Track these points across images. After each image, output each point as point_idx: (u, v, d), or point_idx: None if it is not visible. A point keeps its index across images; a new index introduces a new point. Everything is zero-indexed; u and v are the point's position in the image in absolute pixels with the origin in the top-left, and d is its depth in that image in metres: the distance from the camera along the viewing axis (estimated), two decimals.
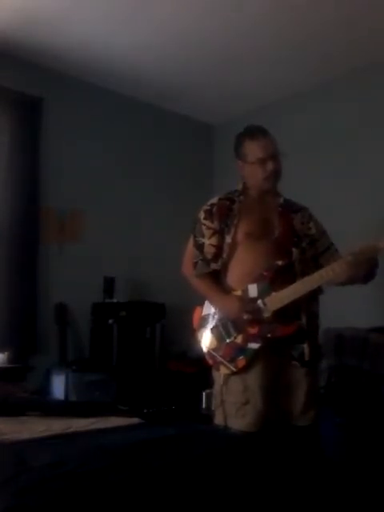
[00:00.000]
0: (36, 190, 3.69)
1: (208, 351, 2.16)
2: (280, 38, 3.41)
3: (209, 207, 2.19)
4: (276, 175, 2.17)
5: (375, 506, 2.16)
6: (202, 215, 2.19)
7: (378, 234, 1.98)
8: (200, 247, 2.17)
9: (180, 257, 2.34)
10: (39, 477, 1.35)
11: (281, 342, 2.05)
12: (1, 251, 3.53)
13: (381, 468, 2.46)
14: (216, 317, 2.15)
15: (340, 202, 3.69)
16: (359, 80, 3.75)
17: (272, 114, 4.06)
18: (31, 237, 3.64)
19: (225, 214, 2.15)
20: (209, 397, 3.17)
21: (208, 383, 2.46)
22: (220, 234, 2.14)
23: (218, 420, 2.10)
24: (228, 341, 2.09)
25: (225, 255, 2.13)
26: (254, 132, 2.17)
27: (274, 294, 2.03)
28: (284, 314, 2.03)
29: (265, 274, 2.06)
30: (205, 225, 2.16)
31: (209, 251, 2.15)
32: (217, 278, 2.16)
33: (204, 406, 3.32)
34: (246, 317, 2.04)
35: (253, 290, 2.07)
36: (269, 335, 2.03)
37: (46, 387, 3.35)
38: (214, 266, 2.15)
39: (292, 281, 2.04)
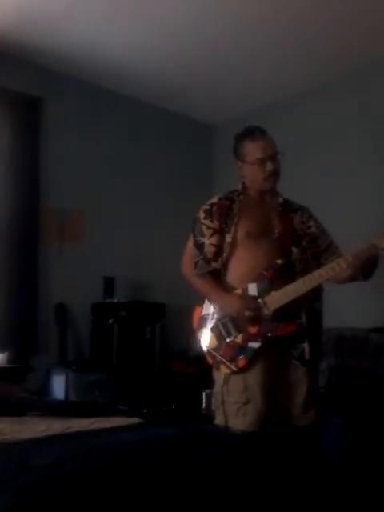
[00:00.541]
0: (36, 190, 3.69)
1: (208, 350, 2.16)
2: (280, 38, 3.41)
3: (208, 207, 2.19)
4: (275, 175, 2.17)
5: (375, 506, 2.16)
6: (201, 215, 2.19)
7: (378, 234, 1.98)
8: (200, 247, 2.17)
9: (180, 257, 2.35)
10: (39, 477, 1.35)
11: (281, 341, 2.05)
12: (1, 251, 3.53)
13: (381, 468, 2.46)
14: (216, 316, 2.15)
15: (340, 202, 3.69)
16: (359, 80, 3.76)
17: (272, 114, 4.07)
18: (31, 237, 3.64)
19: (225, 214, 2.15)
20: (209, 397, 3.17)
21: (208, 383, 2.45)
22: (220, 233, 2.14)
23: (219, 420, 2.10)
24: (228, 340, 2.09)
25: (225, 254, 2.13)
26: (254, 132, 2.17)
27: (273, 293, 2.04)
28: (284, 313, 2.03)
29: (265, 273, 2.06)
30: (205, 224, 2.17)
31: (209, 251, 2.15)
32: (217, 277, 2.16)
33: (204, 405, 3.32)
34: (247, 313, 2.04)
35: (253, 289, 2.07)
36: (269, 334, 2.03)
37: (46, 387, 3.34)
38: (214, 265, 2.15)
39: (292, 280, 2.04)
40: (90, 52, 3.63)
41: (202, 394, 3.32)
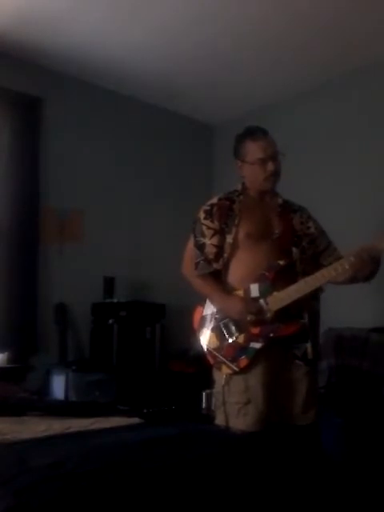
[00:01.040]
0: (36, 190, 3.69)
1: (209, 351, 2.15)
2: (280, 38, 3.41)
3: (208, 207, 2.19)
4: (276, 176, 2.17)
5: (375, 506, 2.16)
6: (201, 215, 2.19)
7: (378, 234, 1.98)
8: (201, 247, 2.16)
9: (180, 257, 2.34)
10: (39, 477, 1.35)
11: (283, 342, 2.06)
12: (1, 251, 3.53)
13: (381, 468, 2.46)
14: (217, 316, 2.15)
15: (340, 202, 3.69)
16: (359, 80, 3.75)
17: (272, 113, 4.07)
18: (31, 237, 3.64)
19: (225, 214, 2.15)
20: (209, 397, 3.17)
21: (208, 383, 2.45)
22: (221, 233, 2.14)
23: (220, 420, 2.10)
24: (230, 340, 2.09)
25: (226, 255, 2.13)
26: (255, 132, 2.17)
27: (275, 293, 2.04)
28: (286, 313, 2.03)
29: (266, 274, 2.06)
30: (205, 225, 2.16)
31: (210, 251, 2.14)
32: (218, 278, 2.16)
33: (204, 406, 3.32)
34: (249, 318, 2.04)
35: (255, 289, 2.07)
36: (271, 335, 2.03)
37: (46, 387, 3.34)
38: (215, 265, 2.14)
39: (293, 280, 2.04)
40: (90, 52, 3.63)
41: (202, 394, 3.32)
